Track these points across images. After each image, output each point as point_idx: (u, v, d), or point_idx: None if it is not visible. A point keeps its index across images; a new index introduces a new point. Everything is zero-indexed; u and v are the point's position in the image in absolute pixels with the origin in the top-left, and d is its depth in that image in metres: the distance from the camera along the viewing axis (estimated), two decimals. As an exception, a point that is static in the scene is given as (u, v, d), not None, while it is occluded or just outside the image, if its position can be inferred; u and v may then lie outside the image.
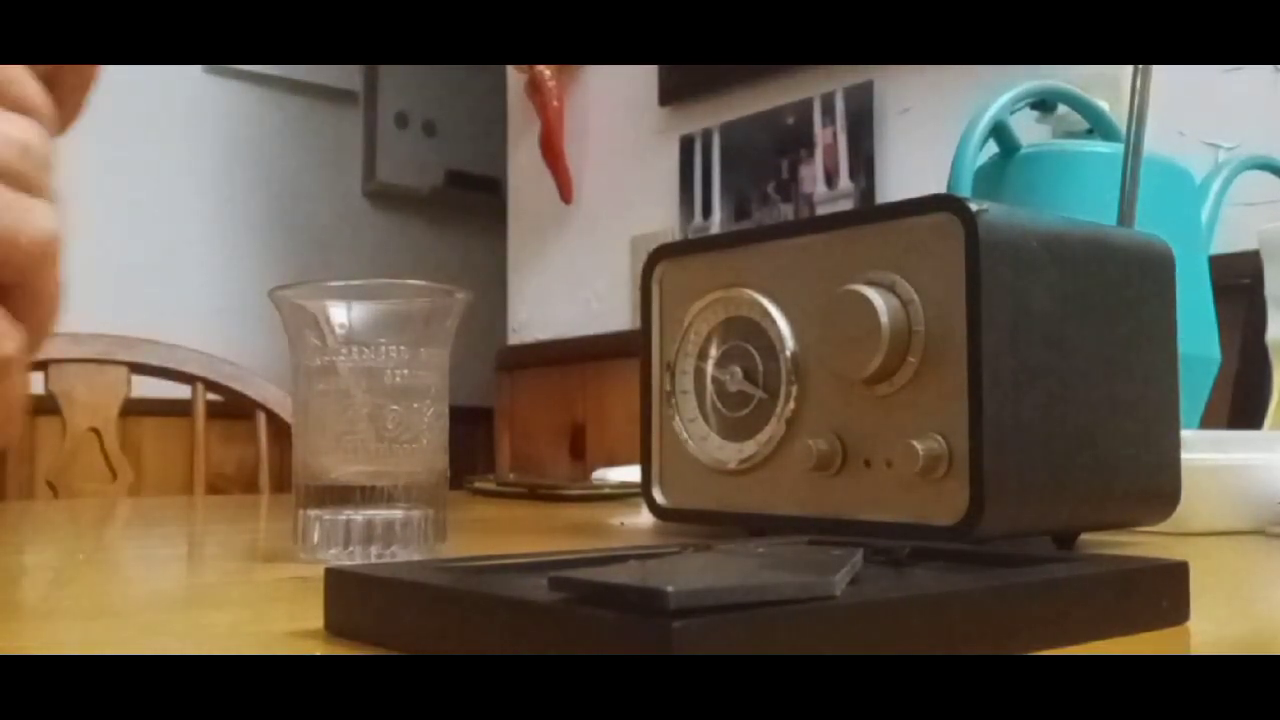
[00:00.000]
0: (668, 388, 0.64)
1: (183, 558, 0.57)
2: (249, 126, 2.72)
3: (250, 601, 0.41)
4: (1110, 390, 0.54)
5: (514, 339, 2.41)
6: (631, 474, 0.98)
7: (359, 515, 0.49)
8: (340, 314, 0.50)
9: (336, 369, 0.50)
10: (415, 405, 0.50)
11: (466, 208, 2.98)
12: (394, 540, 0.49)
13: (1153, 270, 0.57)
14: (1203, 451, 0.64)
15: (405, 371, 0.50)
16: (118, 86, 2.16)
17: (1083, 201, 0.78)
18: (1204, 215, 0.92)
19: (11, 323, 0.31)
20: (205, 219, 2.66)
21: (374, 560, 0.48)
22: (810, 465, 0.55)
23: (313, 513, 0.49)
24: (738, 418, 0.60)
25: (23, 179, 0.31)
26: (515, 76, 2.43)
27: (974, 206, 0.50)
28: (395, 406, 0.50)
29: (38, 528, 0.80)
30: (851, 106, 1.87)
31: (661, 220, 2.15)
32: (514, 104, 2.47)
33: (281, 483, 1.32)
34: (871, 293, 0.52)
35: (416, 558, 0.48)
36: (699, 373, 0.63)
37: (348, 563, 0.45)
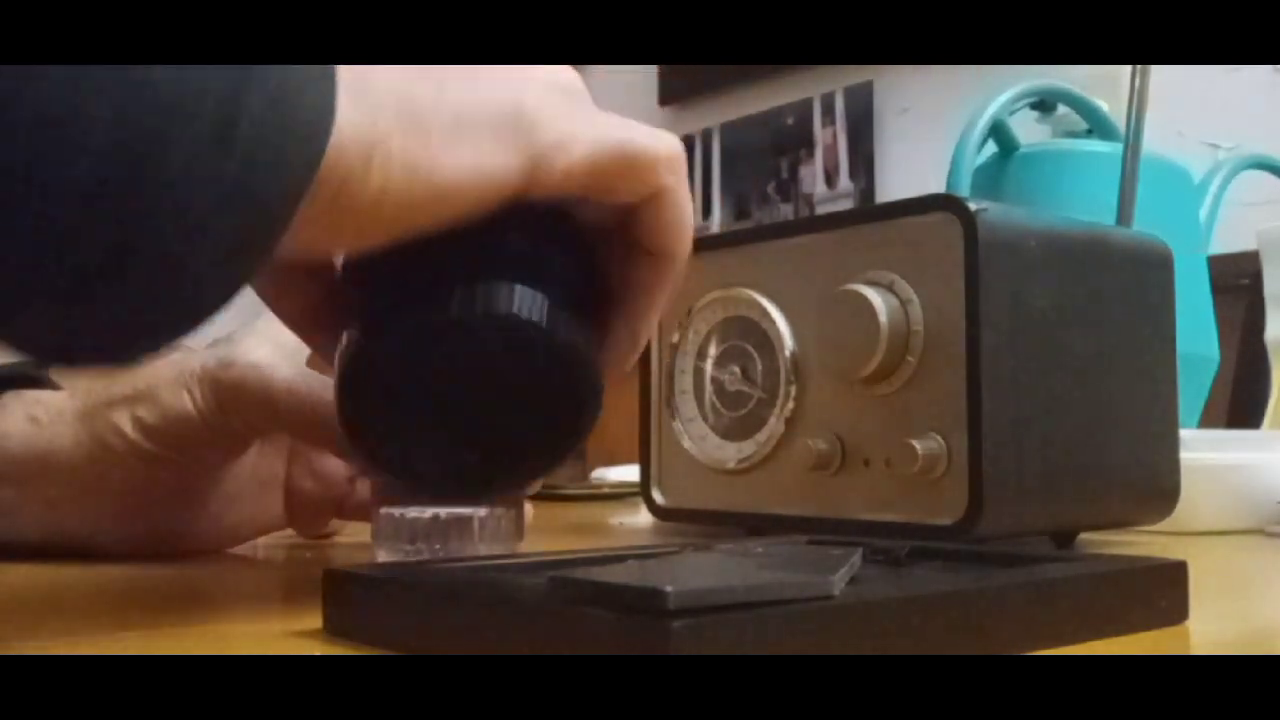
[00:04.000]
0: (666, 388, 0.64)
1: (179, 557, 0.56)
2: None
3: (248, 601, 0.41)
4: (1109, 390, 0.54)
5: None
6: (630, 474, 0.98)
7: (443, 512, 0.49)
8: None
9: None
10: None
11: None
12: (469, 536, 0.49)
13: (1152, 270, 0.57)
14: (1202, 451, 0.64)
15: None
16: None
17: (1082, 201, 0.78)
18: (1203, 214, 0.92)
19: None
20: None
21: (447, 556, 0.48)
22: (809, 465, 0.55)
23: (395, 511, 0.49)
24: (736, 417, 0.60)
25: None
26: (515, 76, 2.43)
27: (973, 206, 0.50)
28: None
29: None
30: (851, 106, 1.87)
31: (661, 220, 2.15)
32: (513, 104, 2.47)
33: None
34: (870, 292, 0.52)
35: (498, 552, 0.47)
36: (698, 372, 0.63)
37: (422, 558, 0.45)
